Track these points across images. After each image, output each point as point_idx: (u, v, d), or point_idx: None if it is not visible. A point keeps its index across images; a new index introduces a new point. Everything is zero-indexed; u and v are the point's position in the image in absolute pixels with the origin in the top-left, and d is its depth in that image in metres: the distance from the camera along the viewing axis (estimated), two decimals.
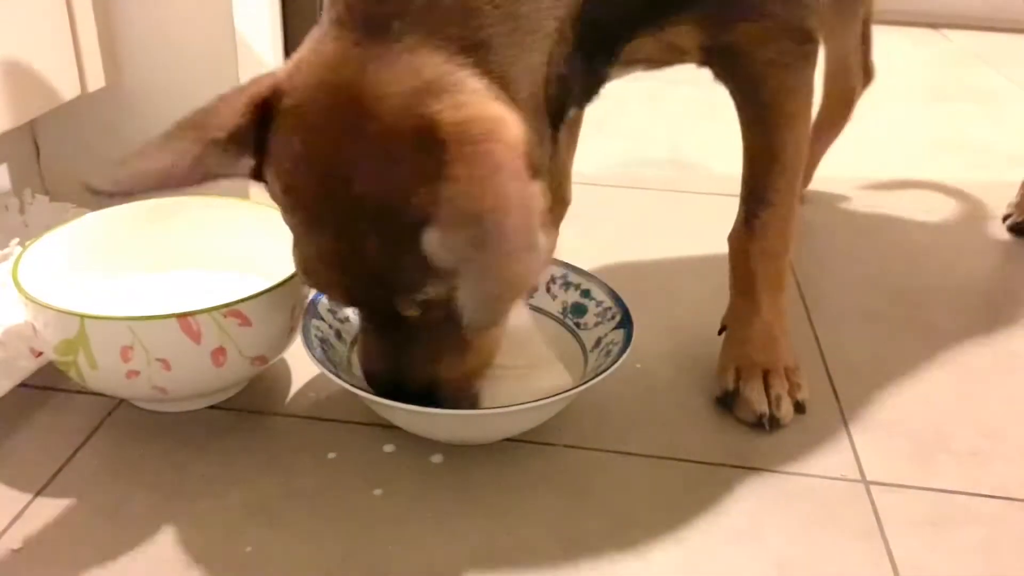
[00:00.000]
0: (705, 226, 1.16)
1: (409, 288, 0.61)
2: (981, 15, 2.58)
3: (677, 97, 1.76)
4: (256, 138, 0.61)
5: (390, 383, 0.68)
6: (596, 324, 0.82)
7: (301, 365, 0.84)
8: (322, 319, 0.79)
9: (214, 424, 0.78)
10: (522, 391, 0.72)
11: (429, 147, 0.55)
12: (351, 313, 0.80)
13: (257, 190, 0.66)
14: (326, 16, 0.61)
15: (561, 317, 0.84)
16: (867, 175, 1.43)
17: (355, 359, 0.74)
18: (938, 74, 2.15)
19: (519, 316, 0.80)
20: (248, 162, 0.62)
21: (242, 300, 0.71)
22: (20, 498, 0.69)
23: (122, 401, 0.79)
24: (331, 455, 0.74)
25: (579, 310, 0.84)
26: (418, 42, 0.58)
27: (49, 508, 0.68)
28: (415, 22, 0.58)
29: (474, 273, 0.54)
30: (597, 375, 0.72)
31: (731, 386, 0.80)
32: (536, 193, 0.57)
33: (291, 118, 0.60)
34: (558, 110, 0.68)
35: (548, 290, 0.86)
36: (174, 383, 0.72)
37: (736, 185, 0.82)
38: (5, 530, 0.65)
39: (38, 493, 0.69)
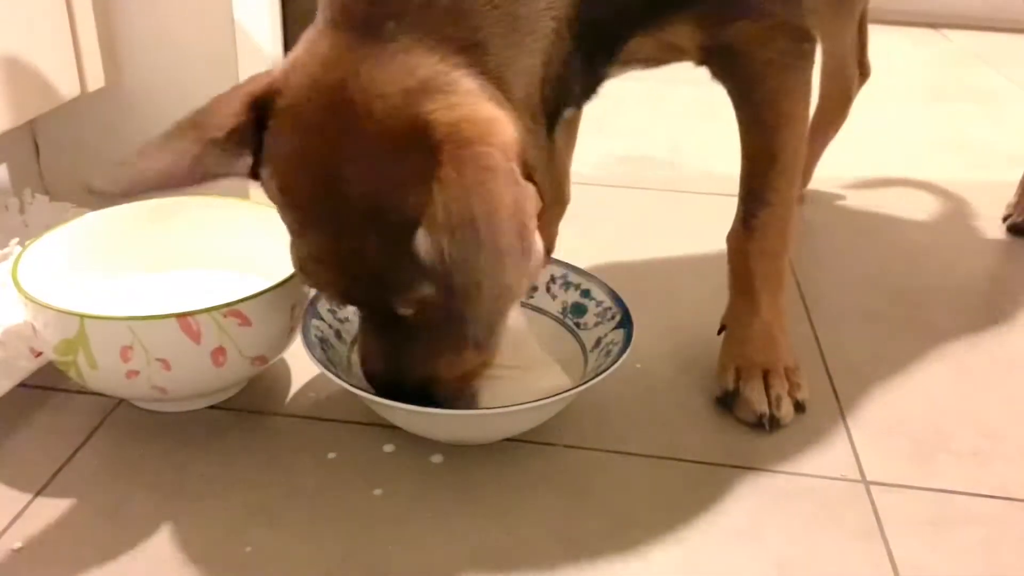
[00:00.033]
0: (705, 226, 1.16)
1: (403, 287, 0.61)
2: (981, 15, 2.58)
3: (677, 97, 1.76)
4: (253, 137, 0.62)
5: (389, 382, 0.68)
6: (596, 324, 0.82)
7: (301, 365, 0.84)
8: (322, 319, 0.79)
9: (214, 424, 0.78)
10: (520, 392, 0.72)
11: (422, 147, 0.55)
12: (351, 313, 0.80)
13: (257, 190, 0.66)
14: (320, 16, 0.61)
15: (561, 317, 0.84)
16: (867, 175, 1.43)
17: (355, 359, 0.74)
18: (938, 74, 2.15)
19: (513, 318, 0.80)
20: (247, 161, 0.62)
21: (242, 300, 0.71)
22: (20, 498, 0.69)
23: (122, 401, 0.79)
24: (331, 455, 0.74)
25: (579, 310, 0.84)
26: (413, 42, 0.58)
27: (49, 508, 0.68)
28: (410, 23, 0.58)
29: (468, 277, 0.54)
30: (597, 375, 0.72)
31: (731, 386, 0.80)
32: (530, 195, 0.57)
33: (286, 117, 0.60)
34: (554, 110, 0.68)
35: (548, 290, 0.86)
36: (174, 383, 0.72)
37: (736, 185, 0.82)
38: (5, 530, 0.65)
39: (38, 493, 0.69)
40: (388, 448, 0.75)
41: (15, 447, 0.74)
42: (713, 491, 0.72)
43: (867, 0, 1.23)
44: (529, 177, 0.59)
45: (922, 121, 1.74)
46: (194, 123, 0.62)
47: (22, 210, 0.99)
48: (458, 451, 0.74)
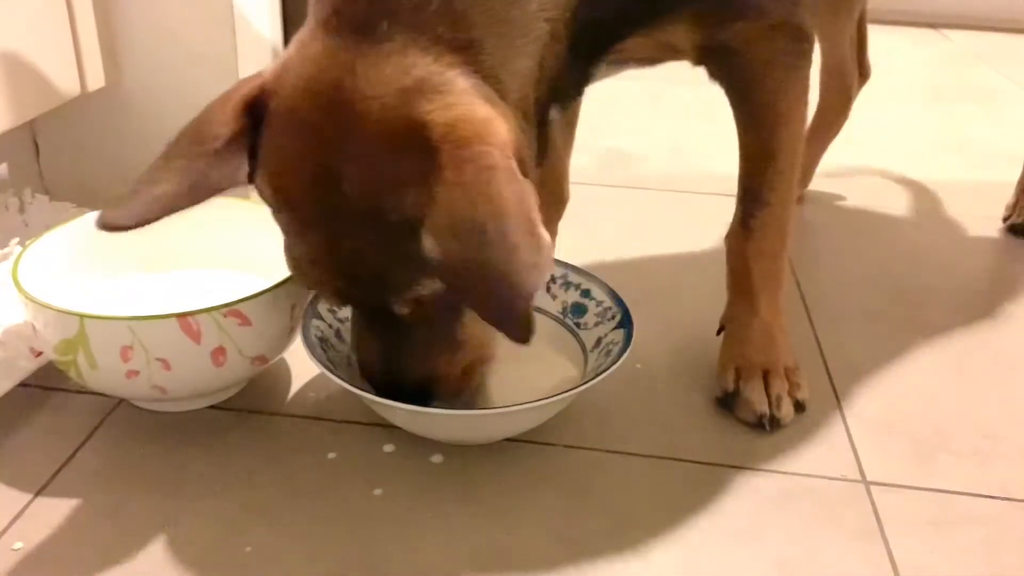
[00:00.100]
0: (705, 226, 1.16)
1: (401, 287, 0.61)
2: (981, 15, 2.58)
3: (677, 97, 1.76)
4: (249, 142, 0.61)
5: (388, 382, 0.68)
6: (596, 324, 0.82)
7: (301, 365, 0.84)
8: (322, 319, 0.79)
9: (214, 424, 0.77)
10: (533, 384, 0.72)
11: (420, 147, 0.55)
12: (351, 313, 0.80)
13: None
14: (312, 17, 0.61)
15: (561, 317, 0.84)
16: (867, 175, 1.43)
17: (355, 359, 0.74)
18: (938, 74, 2.15)
19: None
20: (246, 167, 0.62)
21: (242, 300, 0.71)
22: (20, 498, 0.69)
23: (122, 401, 0.79)
24: (331, 455, 0.74)
25: (579, 310, 0.84)
26: (407, 42, 0.58)
27: (49, 508, 0.68)
28: (403, 23, 0.58)
29: (483, 278, 0.54)
30: (597, 375, 0.72)
31: (731, 386, 0.80)
32: (532, 190, 0.57)
33: (280, 119, 0.60)
34: (545, 109, 0.68)
35: (548, 290, 0.86)
36: (174, 383, 0.72)
37: (736, 185, 0.82)
38: (5, 530, 0.65)
39: (38, 493, 0.69)
40: (388, 448, 0.75)
41: (15, 447, 0.74)
42: (713, 491, 0.72)
43: (866, 0, 1.23)
44: (524, 175, 0.59)
45: (922, 121, 1.74)
46: (191, 137, 0.61)
47: (22, 210, 0.98)
48: (458, 451, 0.74)
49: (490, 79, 0.60)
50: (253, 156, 0.62)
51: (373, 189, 0.57)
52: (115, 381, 0.72)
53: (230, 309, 0.71)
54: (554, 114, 0.72)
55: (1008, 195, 1.25)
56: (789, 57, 0.76)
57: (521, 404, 0.69)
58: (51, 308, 0.69)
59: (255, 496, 0.69)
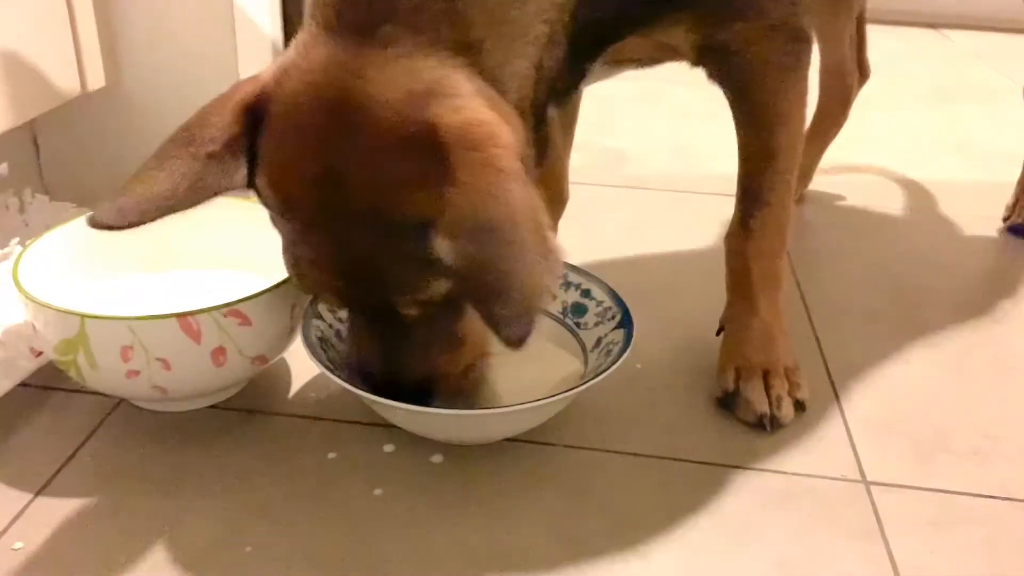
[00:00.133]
0: (705, 226, 1.16)
1: (407, 288, 0.61)
2: (981, 15, 2.58)
3: (677, 97, 1.76)
4: (248, 146, 0.61)
5: (388, 382, 0.68)
6: (596, 324, 0.82)
7: (301, 365, 0.84)
8: (322, 319, 0.79)
9: (214, 424, 0.78)
10: (533, 383, 0.72)
11: (429, 150, 0.55)
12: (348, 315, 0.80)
13: None
14: (312, 21, 0.61)
15: (561, 317, 0.84)
16: (867, 175, 1.43)
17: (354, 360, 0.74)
18: (938, 74, 2.15)
19: None
20: (244, 172, 0.61)
21: (242, 300, 0.71)
22: (20, 498, 0.69)
23: (122, 401, 0.79)
24: (331, 455, 0.74)
25: (579, 310, 0.84)
26: (411, 45, 0.58)
27: (49, 508, 0.68)
28: (406, 25, 0.58)
29: (497, 280, 0.54)
30: (597, 375, 0.72)
31: (731, 386, 0.80)
32: (537, 194, 0.57)
33: (283, 123, 0.60)
34: (542, 110, 0.68)
35: None
36: (174, 383, 0.72)
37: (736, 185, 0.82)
38: (5, 530, 0.65)
39: (38, 493, 0.69)
40: (388, 448, 0.75)
41: (15, 447, 0.74)
42: (713, 491, 0.72)
43: (865, 0, 1.23)
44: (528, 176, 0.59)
45: (922, 121, 1.74)
46: (186, 139, 0.60)
47: (22, 210, 0.99)
48: (458, 451, 0.74)
49: (491, 80, 0.60)
50: (251, 159, 0.62)
51: (381, 191, 0.57)
52: (115, 381, 0.72)
53: (230, 309, 0.71)
54: (551, 113, 0.72)
55: (1008, 195, 1.25)
56: (788, 57, 0.76)
57: (521, 404, 0.69)
58: (51, 308, 0.69)
59: (255, 496, 0.69)
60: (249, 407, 0.80)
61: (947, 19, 2.63)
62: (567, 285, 0.85)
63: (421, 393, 0.68)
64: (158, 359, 0.70)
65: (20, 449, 0.74)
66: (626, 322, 0.78)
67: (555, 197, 1.00)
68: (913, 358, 0.92)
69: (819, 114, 1.27)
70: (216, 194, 0.61)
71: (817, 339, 0.94)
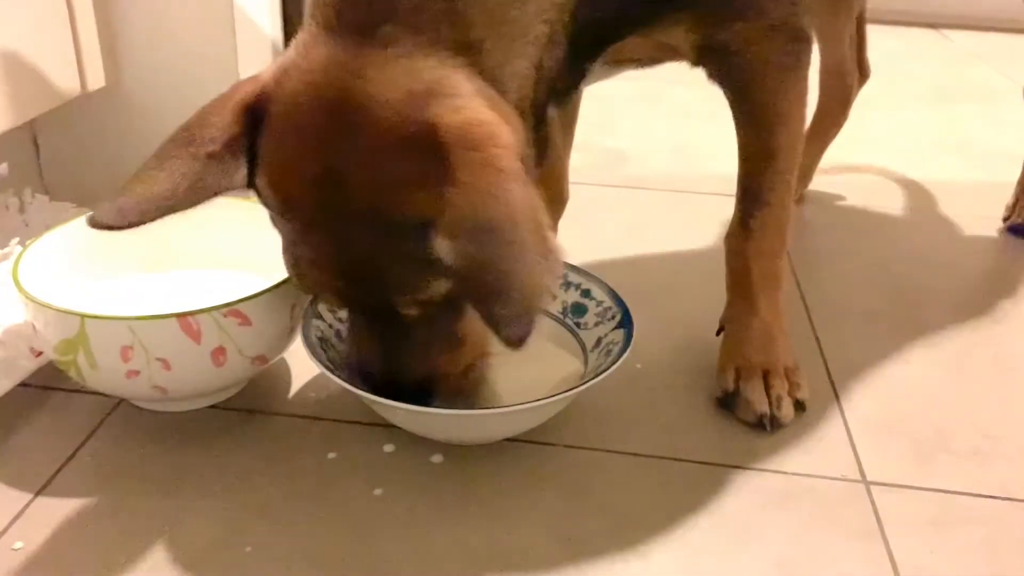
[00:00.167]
0: (705, 226, 1.16)
1: (407, 287, 0.61)
2: (981, 15, 2.58)
3: (677, 97, 1.76)
4: (248, 146, 0.61)
5: (388, 382, 0.68)
6: (596, 324, 0.82)
7: (301, 365, 0.84)
8: (322, 319, 0.79)
9: (214, 424, 0.78)
10: (533, 383, 0.72)
11: (430, 150, 0.55)
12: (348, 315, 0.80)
13: None
14: (311, 21, 0.61)
15: (561, 317, 0.84)
16: (867, 175, 1.43)
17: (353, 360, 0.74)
18: (938, 74, 2.15)
19: None
20: (244, 172, 0.61)
21: (242, 300, 0.71)
22: (20, 498, 0.69)
23: (122, 401, 0.79)
24: (331, 455, 0.74)
25: (579, 310, 0.84)
26: (411, 45, 0.58)
27: (49, 508, 0.68)
28: (406, 25, 0.58)
29: (498, 280, 0.54)
30: (597, 375, 0.72)
31: (731, 386, 0.80)
32: (537, 194, 0.57)
33: (284, 123, 0.60)
34: (542, 110, 0.68)
35: None
36: (174, 383, 0.72)
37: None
38: (5, 530, 0.65)
39: (38, 493, 0.69)
40: (388, 448, 0.75)
41: (15, 447, 0.74)
42: (713, 491, 0.72)
43: (865, 0, 1.23)
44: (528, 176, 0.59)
45: (922, 121, 1.74)
46: (186, 139, 0.60)
47: (22, 210, 0.99)
48: (458, 451, 0.74)
49: (491, 80, 0.60)
50: (251, 159, 0.61)
51: (381, 191, 0.57)
52: (115, 381, 0.72)
53: (230, 309, 0.71)
54: (551, 113, 0.72)
55: (1008, 195, 1.25)
56: (788, 57, 0.76)
57: (521, 404, 0.69)
58: (51, 308, 0.69)
59: (255, 496, 0.69)
60: (249, 407, 0.80)
61: (947, 19, 2.63)
62: (567, 285, 0.85)
63: (421, 393, 0.68)
64: (158, 359, 0.70)
65: (20, 449, 0.74)
66: (626, 322, 0.78)
67: (555, 197, 1.00)
68: (913, 358, 0.92)
69: (819, 114, 1.27)
70: (216, 194, 0.61)
71: (817, 339, 0.94)
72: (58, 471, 0.71)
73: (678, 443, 0.77)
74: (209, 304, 0.70)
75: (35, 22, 0.93)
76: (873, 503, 0.71)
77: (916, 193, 1.37)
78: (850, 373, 0.88)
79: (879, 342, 0.94)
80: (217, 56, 1.05)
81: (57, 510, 0.67)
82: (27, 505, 0.68)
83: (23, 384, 0.77)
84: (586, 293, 0.84)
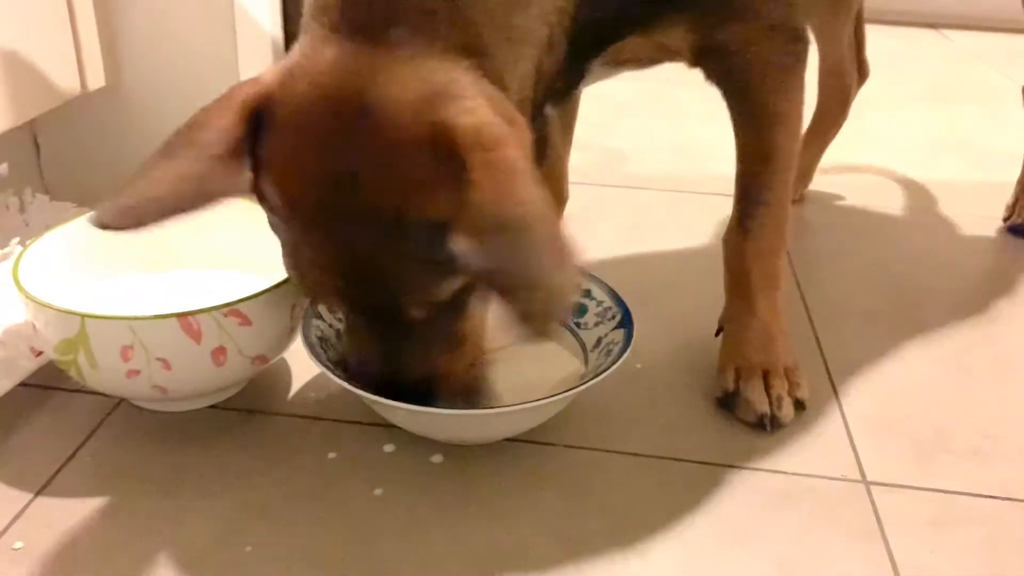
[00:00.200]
0: (705, 226, 1.16)
1: (418, 289, 0.61)
2: (981, 15, 2.58)
3: (677, 97, 1.76)
4: (250, 148, 0.60)
5: (389, 382, 0.68)
6: (596, 324, 0.82)
7: (301, 365, 0.84)
8: (322, 319, 0.79)
9: (214, 423, 0.78)
10: (533, 382, 0.72)
11: (445, 152, 0.55)
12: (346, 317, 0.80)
13: None
14: (316, 24, 0.60)
15: None
16: (867, 175, 1.43)
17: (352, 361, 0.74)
18: (938, 74, 2.15)
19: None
20: (248, 176, 0.60)
21: (242, 300, 0.71)
22: (20, 498, 0.69)
23: (122, 400, 0.79)
24: (331, 455, 0.74)
25: (579, 310, 0.84)
26: (422, 48, 0.58)
27: (49, 508, 0.68)
28: (415, 29, 0.58)
29: (522, 280, 0.54)
30: (597, 375, 0.72)
31: (731, 387, 0.80)
32: (545, 193, 0.57)
33: (292, 126, 0.59)
34: (540, 109, 0.68)
35: None
36: (174, 382, 0.72)
37: None
38: (5, 530, 0.66)
39: (38, 493, 0.69)
40: (388, 448, 0.75)
41: (15, 447, 0.74)
42: (713, 491, 0.72)
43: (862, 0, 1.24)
44: None
45: (922, 121, 1.74)
46: (188, 141, 0.59)
47: (22, 209, 0.99)
48: (458, 451, 0.74)
49: (497, 82, 0.60)
50: (254, 163, 0.61)
51: (395, 192, 0.57)
52: (115, 381, 0.72)
53: (230, 309, 0.71)
54: (551, 113, 0.72)
55: (1008, 195, 1.25)
56: (786, 58, 0.76)
57: (521, 404, 0.69)
58: (52, 308, 0.69)
59: (255, 496, 0.69)
60: (249, 407, 0.80)
61: (947, 19, 2.63)
62: None
63: (422, 393, 0.68)
64: (158, 359, 0.70)
65: (20, 449, 0.74)
66: (626, 322, 0.78)
67: (555, 197, 1.00)
68: (913, 358, 0.92)
69: (818, 114, 1.27)
70: (221, 198, 0.60)
71: (817, 339, 0.94)
72: (58, 471, 0.71)
73: (678, 443, 0.77)
74: (209, 304, 0.70)
75: (35, 22, 0.93)
76: (873, 503, 0.71)
77: (916, 193, 1.37)
78: (850, 373, 0.88)
79: (879, 342, 0.94)
80: (217, 56, 1.05)
81: (57, 510, 0.67)
82: (27, 505, 0.68)
83: (23, 384, 0.77)
84: (586, 293, 0.84)
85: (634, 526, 0.68)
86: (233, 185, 0.60)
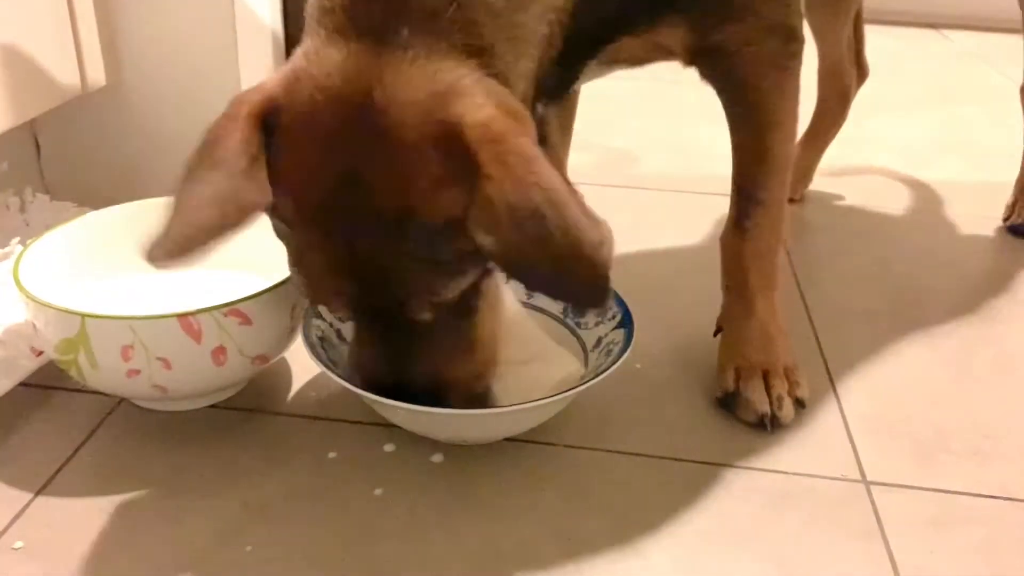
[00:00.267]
0: (705, 226, 1.16)
1: (427, 290, 0.61)
2: (981, 15, 2.58)
3: (677, 97, 1.76)
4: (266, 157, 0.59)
5: (398, 387, 0.68)
6: (597, 324, 0.82)
7: (301, 364, 0.84)
8: (323, 318, 0.79)
9: (214, 423, 0.78)
10: (533, 382, 0.72)
11: (455, 149, 0.55)
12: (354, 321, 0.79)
13: None
14: (320, 27, 0.60)
15: (562, 317, 0.84)
16: (867, 175, 1.43)
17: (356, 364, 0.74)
18: (938, 74, 2.15)
19: (513, 310, 0.81)
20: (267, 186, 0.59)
21: (242, 299, 0.71)
22: (20, 497, 0.69)
23: (122, 400, 0.79)
24: (331, 455, 0.74)
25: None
26: (428, 49, 0.58)
27: (49, 508, 0.68)
28: (421, 30, 0.58)
29: (550, 264, 0.54)
30: (597, 375, 0.72)
31: (731, 387, 0.80)
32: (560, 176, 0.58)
33: (298, 131, 0.59)
34: (534, 108, 0.69)
35: None
36: (174, 382, 0.72)
37: None
38: (5, 529, 0.66)
39: (38, 493, 0.69)
40: (389, 447, 0.75)
41: (15, 446, 0.74)
42: (713, 491, 0.72)
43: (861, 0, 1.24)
44: None
45: (922, 121, 1.74)
46: (210, 162, 0.58)
47: (23, 209, 0.99)
48: (459, 450, 0.74)
49: (501, 82, 0.61)
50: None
51: (405, 192, 0.57)
52: (116, 380, 0.72)
53: (231, 308, 0.71)
54: (549, 113, 0.72)
55: (1008, 195, 1.25)
56: (781, 58, 0.77)
57: (521, 404, 0.69)
58: (52, 307, 0.69)
59: (255, 496, 0.69)
60: (249, 407, 0.80)
61: (947, 19, 2.63)
62: None
63: (431, 399, 0.67)
64: (159, 358, 0.70)
65: (20, 449, 0.74)
66: (626, 322, 0.79)
67: None
68: (913, 358, 0.92)
69: (818, 114, 1.27)
70: (258, 209, 0.59)
71: (817, 339, 0.94)
72: (58, 471, 0.71)
73: (678, 443, 0.77)
74: (209, 304, 0.70)
75: (35, 21, 0.93)
76: (873, 503, 0.71)
77: (916, 193, 1.37)
78: (850, 373, 0.88)
79: (879, 342, 0.94)
80: (218, 55, 1.05)
81: (57, 510, 0.68)
82: (27, 505, 0.68)
83: (23, 384, 0.77)
84: None
85: (634, 526, 0.68)
86: (266, 195, 0.59)
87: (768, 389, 0.79)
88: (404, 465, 0.73)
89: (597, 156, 1.46)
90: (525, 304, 0.85)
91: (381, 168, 0.57)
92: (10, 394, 0.75)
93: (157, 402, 0.78)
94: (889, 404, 0.84)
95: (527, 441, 0.76)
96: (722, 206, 0.85)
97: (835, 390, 0.85)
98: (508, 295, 0.76)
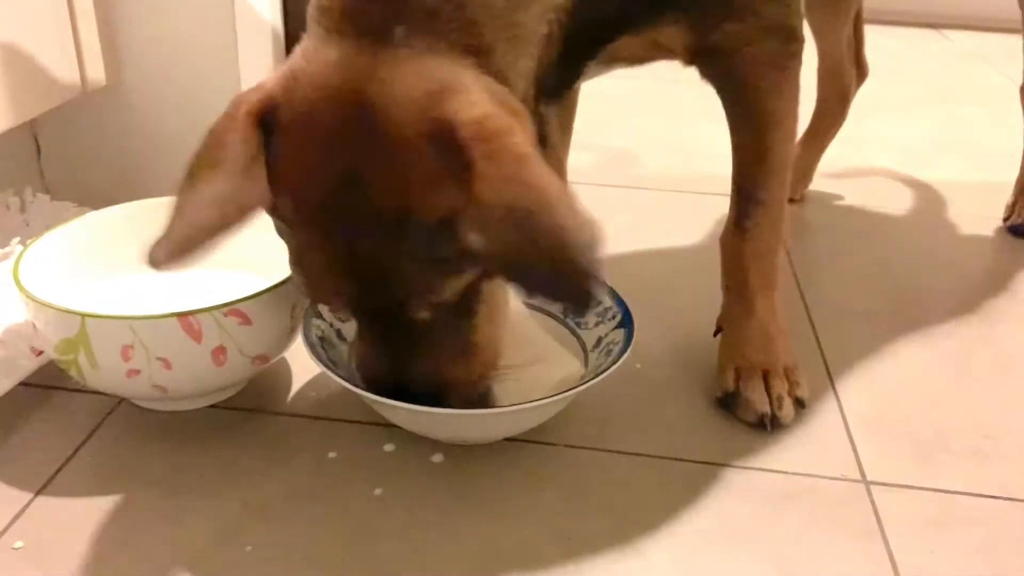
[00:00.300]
0: (705, 226, 1.16)
1: (426, 290, 0.61)
2: (981, 15, 2.59)
3: (677, 97, 1.76)
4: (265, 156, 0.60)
5: (399, 388, 0.68)
6: (597, 324, 0.82)
7: (302, 364, 0.84)
8: (323, 318, 0.79)
9: (214, 423, 0.78)
10: (533, 383, 0.72)
11: (449, 146, 0.55)
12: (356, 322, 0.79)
13: None
14: (318, 26, 0.60)
15: (562, 317, 0.84)
16: (867, 175, 1.43)
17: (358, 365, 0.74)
18: (938, 74, 2.15)
19: (515, 312, 0.81)
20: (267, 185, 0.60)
21: (243, 299, 0.71)
22: (20, 497, 0.69)
23: (122, 400, 0.79)
24: (331, 454, 0.74)
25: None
26: (425, 48, 0.58)
27: (49, 508, 0.68)
28: (418, 29, 0.58)
29: (539, 264, 0.54)
30: (597, 375, 0.72)
31: (731, 387, 0.80)
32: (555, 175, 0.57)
33: (295, 129, 0.59)
34: (535, 107, 0.69)
35: None
36: (174, 382, 0.72)
37: None
38: (5, 529, 0.66)
39: (38, 493, 0.69)
40: (389, 447, 0.75)
41: (15, 446, 0.74)
42: (713, 491, 0.72)
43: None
44: None
45: (922, 121, 1.74)
46: (210, 162, 0.58)
47: (23, 209, 0.98)
48: (459, 450, 0.74)
49: (501, 81, 0.61)
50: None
51: (400, 190, 0.57)
52: (116, 380, 0.72)
53: (231, 308, 0.71)
54: (549, 112, 0.72)
55: (1008, 195, 1.25)
56: (781, 58, 0.77)
57: (521, 404, 0.69)
58: (52, 307, 0.69)
59: (255, 496, 0.69)
60: (249, 407, 0.80)
61: (947, 19, 2.63)
62: None
63: (432, 400, 0.67)
64: (159, 358, 0.70)
65: (20, 449, 0.74)
66: (626, 322, 0.79)
67: None
68: (913, 358, 0.92)
69: (818, 114, 1.27)
70: (257, 209, 0.59)
71: (817, 339, 0.94)
72: (58, 471, 0.71)
73: (678, 443, 0.77)
74: (210, 304, 0.70)
75: (35, 20, 0.93)
76: (873, 503, 0.71)
77: (916, 193, 1.37)
78: (850, 373, 0.88)
79: (879, 342, 0.94)
80: (218, 55, 1.05)
81: (57, 510, 0.68)
82: (27, 505, 0.68)
83: (23, 384, 0.77)
84: None
85: (634, 526, 0.68)
86: (266, 194, 0.59)
87: (768, 389, 0.79)
88: (404, 465, 0.73)
89: (597, 155, 1.46)
90: (525, 304, 0.85)
91: (379, 167, 0.57)
92: (10, 394, 0.75)
93: (157, 402, 0.78)
94: (889, 404, 0.84)
95: (527, 441, 0.76)
96: (722, 206, 0.85)
97: (835, 390, 0.86)
98: (512, 296, 0.76)
